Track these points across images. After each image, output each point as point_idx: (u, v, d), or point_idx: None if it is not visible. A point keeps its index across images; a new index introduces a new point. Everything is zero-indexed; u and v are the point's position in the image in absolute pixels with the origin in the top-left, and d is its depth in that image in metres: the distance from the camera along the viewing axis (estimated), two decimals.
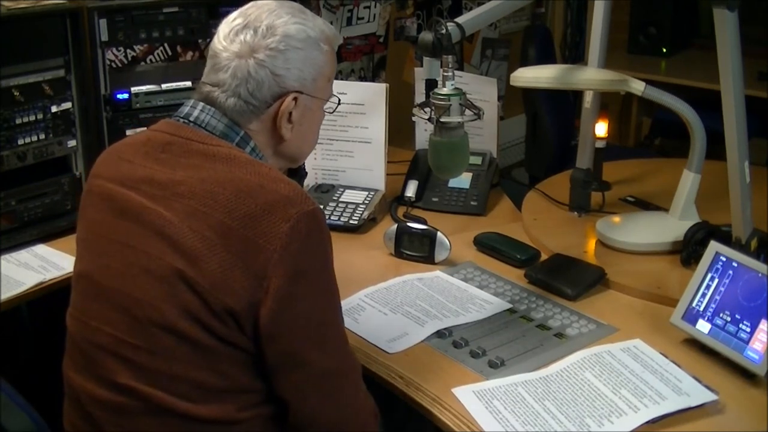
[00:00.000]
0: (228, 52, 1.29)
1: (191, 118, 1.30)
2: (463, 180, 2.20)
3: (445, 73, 1.53)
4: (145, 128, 1.38)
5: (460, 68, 3.10)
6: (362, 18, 2.99)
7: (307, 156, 1.48)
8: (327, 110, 1.43)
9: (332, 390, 1.28)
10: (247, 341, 1.21)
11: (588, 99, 2.06)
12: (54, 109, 1.97)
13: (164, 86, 2.14)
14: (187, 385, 1.21)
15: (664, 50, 3.93)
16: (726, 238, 1.69)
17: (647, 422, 1.31)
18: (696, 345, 1.52)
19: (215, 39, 1.33)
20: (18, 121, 1.90)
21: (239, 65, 1.28)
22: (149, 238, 1.23)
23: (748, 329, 1.43)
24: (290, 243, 1.18)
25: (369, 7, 3.00)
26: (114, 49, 2.07)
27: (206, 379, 1.21)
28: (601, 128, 2.14)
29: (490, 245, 1.93)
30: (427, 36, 1.52)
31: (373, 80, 3.07)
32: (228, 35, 1.30)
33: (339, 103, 1.45)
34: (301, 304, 1.20)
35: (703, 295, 1.51)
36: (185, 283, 1.19)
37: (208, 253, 1.18)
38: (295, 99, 1.32)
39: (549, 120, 3.15)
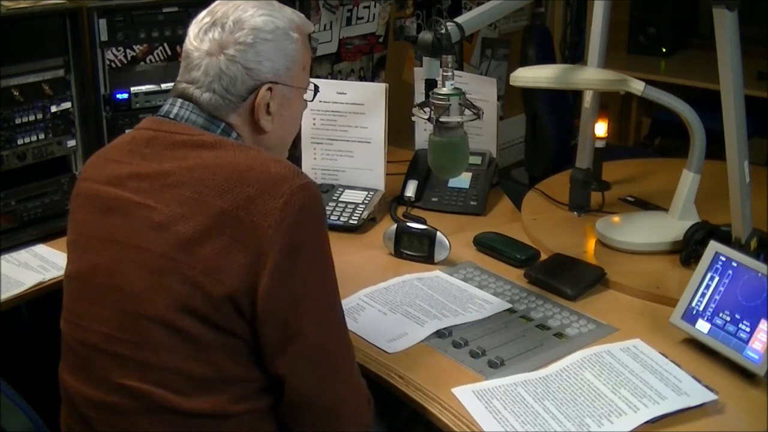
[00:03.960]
0: (199, 51, 1.30)
1: (171, 115, 1.31)
2: (462, 180, 2.20)
3: (445, 73, 1.53)
4: None
5: (460, 68, 3.09)
6: (362, 18, 2.99)
7: (288, 148, 1.47)
8: (307, 99, 1.43)
9: (327, 368, 1.27)
10: (245, 325, 1.21)
11: (587, 99, 2.06)
12: (54, 109, 1.97)
13: (164, 86, 2.13)
14: (177, 376, 1.21)
15: (664, 50, 3.93)
16: (726, 238, 1.69)
17: (647, 422, 1.31)
18: (696, 345, 1.52)
19: (186, 40, 1.33)
20: (18, 121, 1.90)
21: (210, 63, 1.29)
22: (138, 232, 1.23)
23: (748, 329, 1.43)
24: (284, 218, 1.18)
25: (368, 7, 3.00)
26: (113, 49, 2.07)
27: (196, 369, 1.21)
28: (601, 128, 2.14)
29: (490, 245, 1.93)
30: (426, 36, 1.52)
31: (372, 80, 3.06)
32: (198, 35, 1.31)
33: (317, 91, 1.45)
34: (297, 278, 1.20)
35: (703, 294, 1.51)
36: (177, 273, 1.19)
37: (200, 239, 1.19)
38: (270, 89, 1.32)
39: (549, 120, 3.15)
